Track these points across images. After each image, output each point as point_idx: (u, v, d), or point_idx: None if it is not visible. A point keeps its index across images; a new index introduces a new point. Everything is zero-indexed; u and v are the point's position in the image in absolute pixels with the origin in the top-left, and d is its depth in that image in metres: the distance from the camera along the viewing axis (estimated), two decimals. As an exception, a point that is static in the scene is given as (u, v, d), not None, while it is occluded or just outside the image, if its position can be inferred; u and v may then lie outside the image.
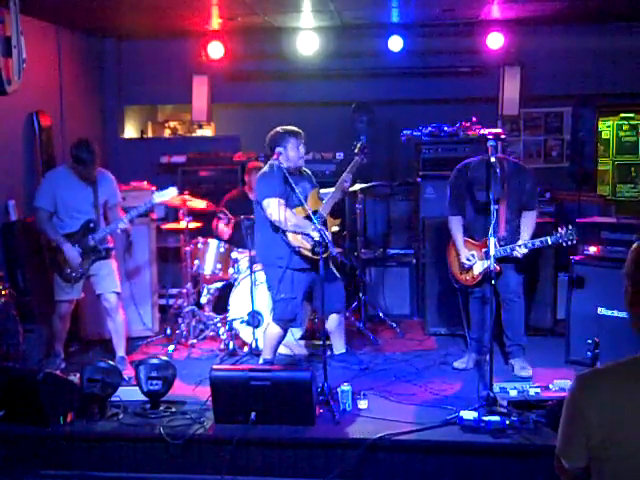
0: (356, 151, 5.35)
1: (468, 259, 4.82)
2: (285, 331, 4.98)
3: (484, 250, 4.71)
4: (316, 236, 4.56)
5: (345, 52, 7.42)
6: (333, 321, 5.07)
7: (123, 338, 5.33)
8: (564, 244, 4.55)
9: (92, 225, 5.10)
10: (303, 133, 4.85)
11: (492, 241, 4.35)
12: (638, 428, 1.84)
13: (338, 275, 5.11)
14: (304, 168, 5.05)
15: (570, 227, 4.51)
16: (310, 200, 4.84)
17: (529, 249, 4.64)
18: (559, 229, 4.54)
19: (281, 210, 4.62)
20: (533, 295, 5.68)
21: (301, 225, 4.71)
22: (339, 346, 5.19)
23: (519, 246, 4.62)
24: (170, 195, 5.30)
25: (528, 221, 4.78)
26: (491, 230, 4.35)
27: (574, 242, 4.54)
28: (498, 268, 4.56)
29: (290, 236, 4.73)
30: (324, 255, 4.51)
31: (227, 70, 7.63)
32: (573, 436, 1.96)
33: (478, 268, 4.80)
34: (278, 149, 4.73)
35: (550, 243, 4.59)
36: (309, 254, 4.72)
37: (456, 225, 4.93)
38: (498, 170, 4.39)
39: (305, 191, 4.86)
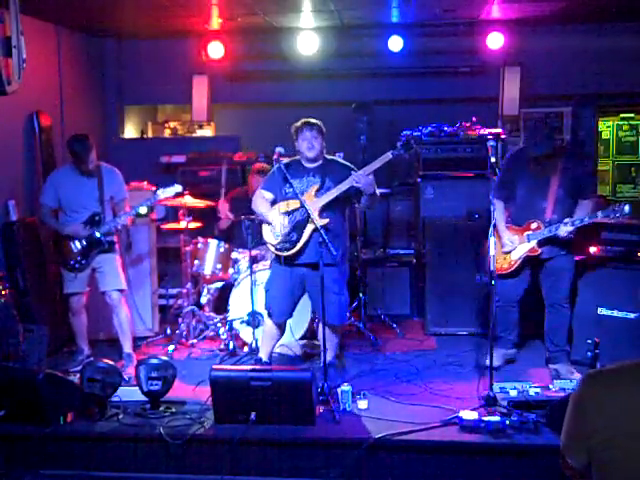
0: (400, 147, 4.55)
1: (511, 241, 4.77)
2: (277, 327, 4.91)
3: (526, 234, 4.72)
4: (274, 220, 4.64)
5: (345, 52, 7.42)
6: (325, 330, 4.74)
7: (128, 334, 5.36)
8: (614, 219, 4.51)
9: (97, 218, 5.17)
10: (301, 124, 4.68)
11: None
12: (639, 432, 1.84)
13: (338, 290, 4.72)
14: (339, 161, 4.86)
15: (621, 203, 4.45)
16: (306, 195, 4.68)
17: (575, 226, 4.54)
18: (611, 205, 4.49)
19: (256, 200, 4.83)
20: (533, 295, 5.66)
21: (263, 212, 4.76)
22: (328, 356, 4.86)
23: (564, 223, 4.53)
24: (174, 191, 5.34)
25: (581, 209, 4.66)
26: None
27: (624, 217, 4.46)
28: (538, 250, 4.62)
29: (264, 229, 4.81)
30: (287, 253, 4.63)
31: (227, 70, 7.64)
32: (575, 433, 1.95)
33: (518, 253, 4.78)
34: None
35: (599, 217, 4.51)
36: (273, 249, 4.76)
37: (499, 209, 4.84)
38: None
39: (309, 185, 4.72)
